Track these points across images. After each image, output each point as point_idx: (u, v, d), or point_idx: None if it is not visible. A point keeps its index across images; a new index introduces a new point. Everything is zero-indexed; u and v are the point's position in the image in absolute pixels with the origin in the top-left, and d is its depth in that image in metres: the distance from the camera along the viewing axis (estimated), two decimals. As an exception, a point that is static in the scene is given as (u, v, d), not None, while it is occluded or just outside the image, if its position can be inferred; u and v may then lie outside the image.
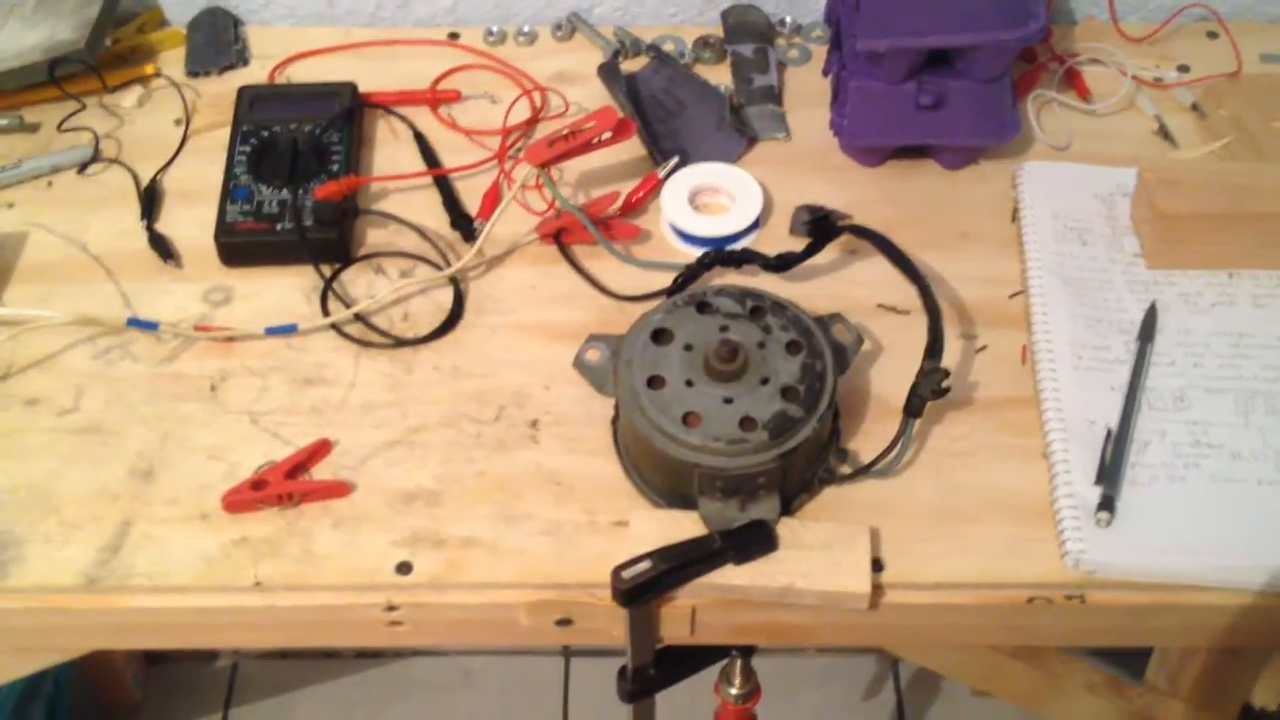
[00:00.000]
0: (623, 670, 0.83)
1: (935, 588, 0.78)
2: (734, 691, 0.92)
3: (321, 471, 0.83)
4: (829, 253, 0.92)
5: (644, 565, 0.73)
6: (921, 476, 0.82)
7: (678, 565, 0.74)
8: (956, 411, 0.85)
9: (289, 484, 0.81)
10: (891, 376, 0.86)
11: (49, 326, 0.89)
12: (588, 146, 0.89)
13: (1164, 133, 1.02)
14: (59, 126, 1.02)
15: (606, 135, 0.89)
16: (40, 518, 0.80)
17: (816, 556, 0.76)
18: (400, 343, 0.89)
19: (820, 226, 0.88)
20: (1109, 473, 0.79)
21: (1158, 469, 0.80)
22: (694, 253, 0.93)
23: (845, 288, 0.92)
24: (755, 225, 0.95)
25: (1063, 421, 0.82)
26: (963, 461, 0.83)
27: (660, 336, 0.80)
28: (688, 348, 0.79)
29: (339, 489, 0.81)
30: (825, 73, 1.06)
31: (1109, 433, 0.81)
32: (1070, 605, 0.77)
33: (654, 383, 0.78)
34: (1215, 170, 0.95)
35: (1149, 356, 0.85)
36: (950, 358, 0.87)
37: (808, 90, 1.06)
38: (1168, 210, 0.89)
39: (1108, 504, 0.78)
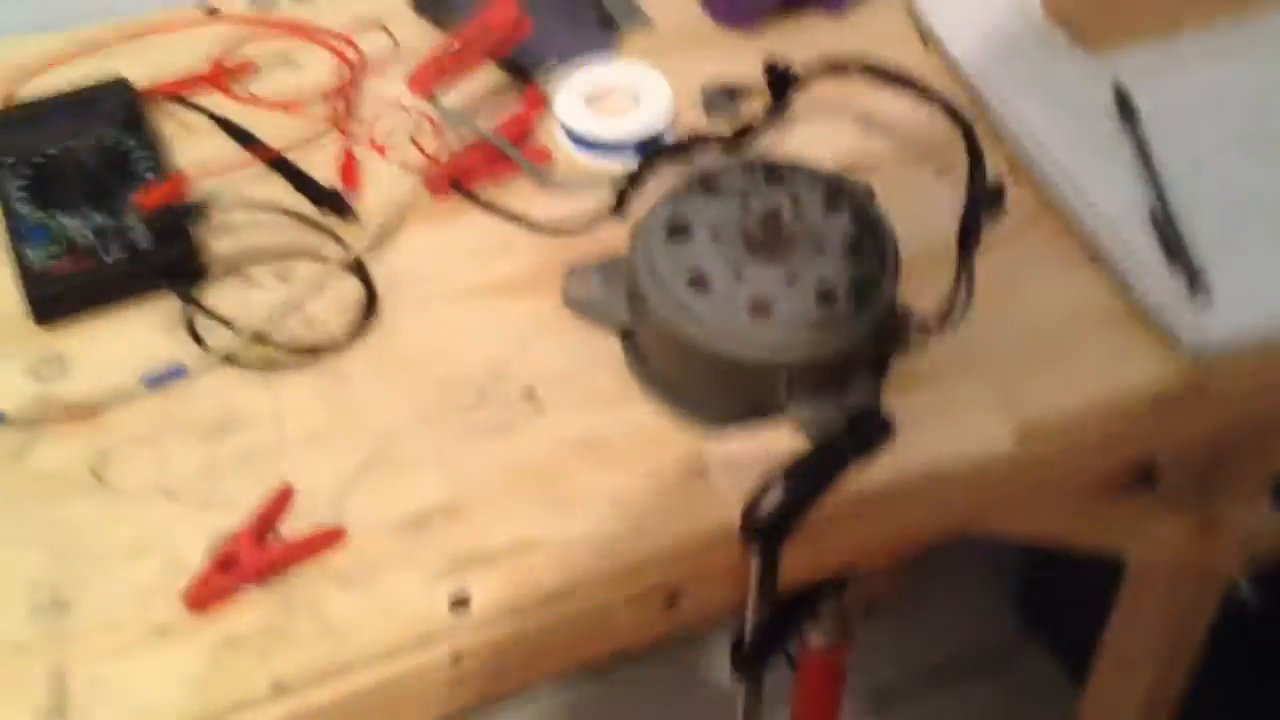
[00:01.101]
0: (738, 641, 0.67)
1: (1060, 425, 0.67)
2: (824, 637, 0.78)
3: (293, 525, 0.62)
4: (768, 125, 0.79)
5: (777, 491, 0.58)
6: (988, 321, 0.70)
7: (812, 482, 0.59)
8: (980, 251, 0.74)
9: (265, 551, 0.60)
10: (898, 232, 0.74)
11: None
12: (487, 53, 0.73)
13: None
14: None
15: (514, 32, 0.72)
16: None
17: (941, 428, 0.64)
18: (318, 352, 0.69)
19: (781, 82, 0.76)
20: (1179, 248, 0.71)
21: (1218, 240, 0.72)
22: (612, 166, 0.79)
23: (800, 152, 0.80)
24: (671, 117, 0.81)
25: (1100, 215, 0.74)
26: (1014, 292, 0.72)
27: (677, 232, 0.65)
28: (715, 236, 0.65)
29: (331, 538, 0.62)
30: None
31: (1154, 210, 0.73)
32: (1194, 398, 0.68)
33: (698, 283, 0.63)
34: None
35: (1143, 131, 0.78)
36: (937, 197, 0.77)
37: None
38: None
39: (1198, 278, 0.69)
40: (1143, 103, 0.80)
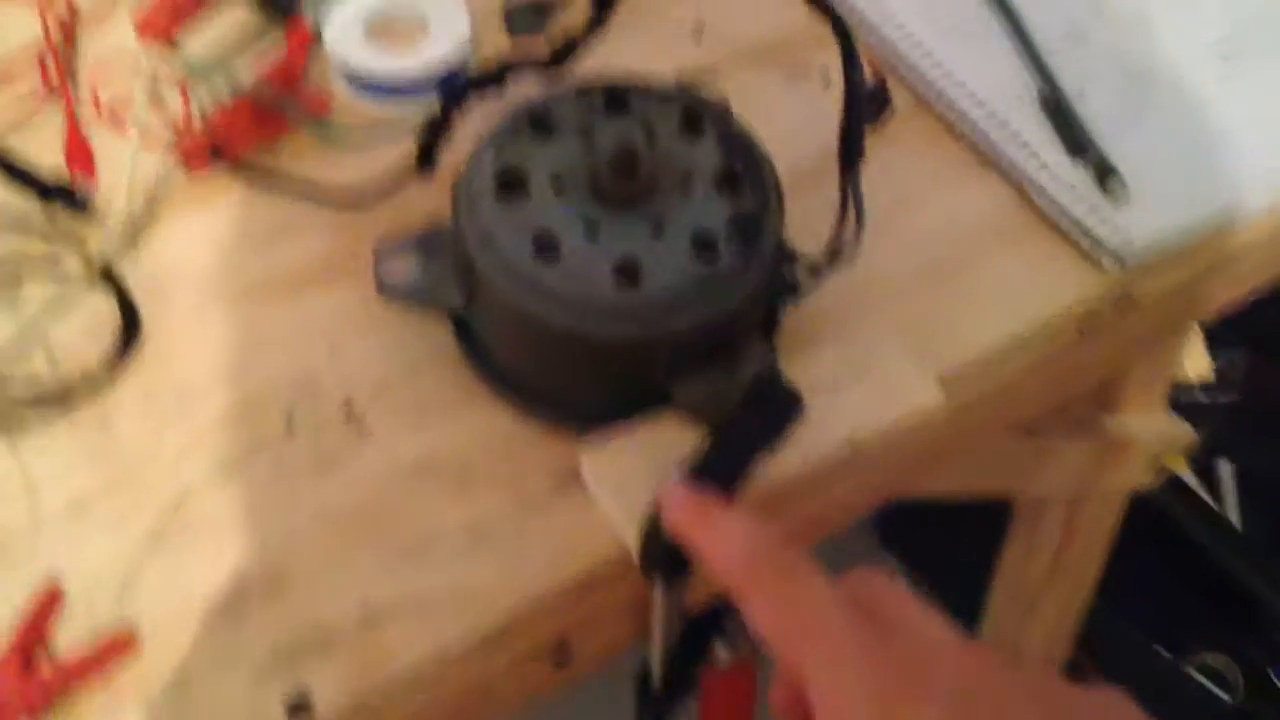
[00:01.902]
0: (642, 681, 0.56)
1: (982, 365, 0.57)
2: (731, 651, 0.66)
3: (69, 634, 0.48)
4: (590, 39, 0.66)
5: (697, 478, 0.47)
6: (876, 247, 0.59)
7: (724, 481, 0.48)
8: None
9: (35, 679, 0.46)
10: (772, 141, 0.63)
11: None
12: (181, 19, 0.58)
13: None
14: None
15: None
16: None
17: (855, 391, 0.53)
18: (70, 396, 0.54)
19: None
20: (1082, 138, 0.62)
21: (1115, 118, 0.64)
22: (408, 111, 0.65)
23: (631, 65, 0.67)
24: (470, 42, 0.67)
25: (984, 106, 0.64)
26: (904, 208, 0.62)
27: (510, 187, 0.52)
28: (557, 184, 0.52)
29: (119, 646, 0.48)
30: None
31: (1042, 94, 0.64)
32: (1122, 313, 0.60)
33: (543, 245, 0.50)
34: None
35: (1013, 4, 0.68)
36: (792, 105, 0.67)
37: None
38: None
39: (1108, 169, 0.60)
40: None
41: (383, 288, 0.53)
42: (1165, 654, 1.19)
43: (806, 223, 0.57)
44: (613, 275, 0.49)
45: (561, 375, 0.53)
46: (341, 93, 0.66)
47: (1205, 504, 1.25)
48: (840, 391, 0.53)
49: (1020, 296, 0.59)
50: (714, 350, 0.51)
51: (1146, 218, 0.59)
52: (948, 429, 0.56)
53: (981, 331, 0.58)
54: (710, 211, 0.52)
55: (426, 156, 0.61)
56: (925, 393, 0.53)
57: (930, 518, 1.22)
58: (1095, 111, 0.64)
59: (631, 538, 0.48)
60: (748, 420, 0.51)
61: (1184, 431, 0.84)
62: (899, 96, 0.67)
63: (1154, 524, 1.18)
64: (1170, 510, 1.22)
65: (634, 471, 0.50)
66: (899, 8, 0.68)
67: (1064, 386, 0.64)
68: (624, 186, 0.51)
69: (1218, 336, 1.11)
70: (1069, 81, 0.65)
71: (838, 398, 0.53)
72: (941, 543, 1.31)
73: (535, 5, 0.70)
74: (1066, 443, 0.78)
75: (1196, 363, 0.91)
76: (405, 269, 0.54)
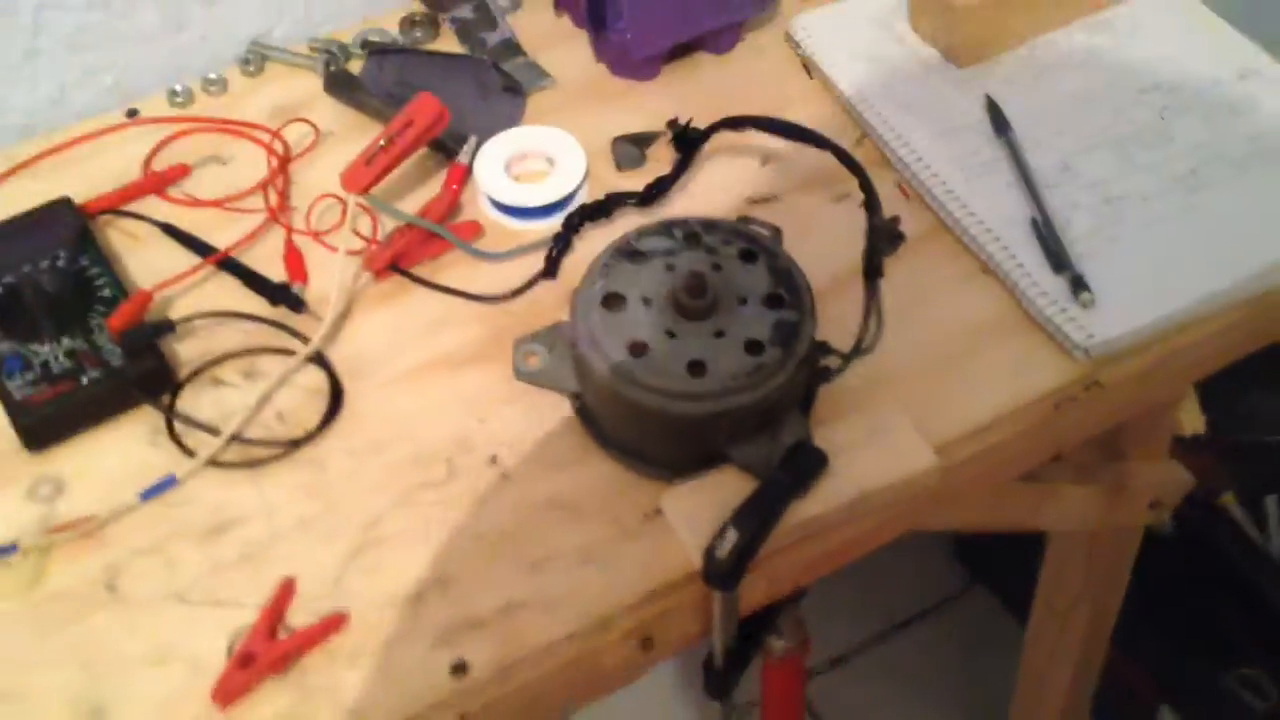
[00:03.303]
0: (708, 665, 0.75)
1: (968, 437, 0.75)
2: (784, 644, 0.86)
3: (298, 616, 0.68)
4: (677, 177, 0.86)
5: (731, 534, 0.66)
6: (895, 339, 0.78)
7: (761, 520, 0.67)
8: (894, 261, 0.82)
9: (280, 644, 0.67)
10: (806, 261, 0.82)
11: None
12: (414, 146, 0.78)
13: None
14: None
15: (435, 126, 0.78)
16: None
17: (869, 453, 0.71)
18: (295, 445, 0.75)
19: (685, 139, 0.82)
20: (1061, 256, 0.79)
21: (1093, 238, 0.81)
22: (538, 228, 0.85)
23: (709, 194, 0.87)
24: (585, 175, 0.87)
25: (988, 231, 0.81)
26: (919, 309, 0.80)
27: (612, 302, 0.72)
28: (646, 302, 0.71)
29: (335, 623, 0.68)
30: (558, 7, 0.99)
31: (1034, 222, 0.81)
32: (1092, 395, 0.76)
33: (636, 350, 0.69)
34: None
35: (1018, 144, 0.86)
36: (837, 221, 0.85)
37: (540, 31, 0.99)
38: (962, 5, 0.89)
39: (1082, 284, 0.77)
40: (1013, 111, 0.88)
41: (518, 374, 0.73)
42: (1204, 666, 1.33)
43: (843, 318, 0.75)
44: (686, 369, 0.68)
45: (650, 440, 0.72)
46: (488, 214, 0.87)
47: (1249, 537, 1.38)
48: (856, 453, 0.71)
49: (1007, 380, 0.77)
50: (761, 423, 0.70)
51: (1111, 320, 0.76)
52: (946, 484, 0.73)
53: (975, 407, 0.75)
54: (760, 322, 0.70)
55: (552, 266, 0.81)
56: (922, 457, 0.71)
57: (1001, 534, 1.38)
58: (1078, 232, 0.81)
59: (697, 559, 0.67)
60: (785, 474, 0.69)
61: (1182, 477, 0.99)
62: (924, 217, 0.85)
63: (1202, 553, 1.33)
64: (1217, 541, 1.35)
65: (701, 510, 0.69)
66: (925, 149, 0.86)
67: (1046, 448, 0.81)
68: (694, 304, 0.70)
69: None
70: (1058, 207, 0.82)
71: (855, 457, 0.71)
72: (1010, 556, 1.45)
73: (635, 140, 0.89)
74: (1073, 487, 0.94)
75: (1191, 418, 1.06)
76: (535, 359, 0.73)
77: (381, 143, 0.78)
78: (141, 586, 0.70)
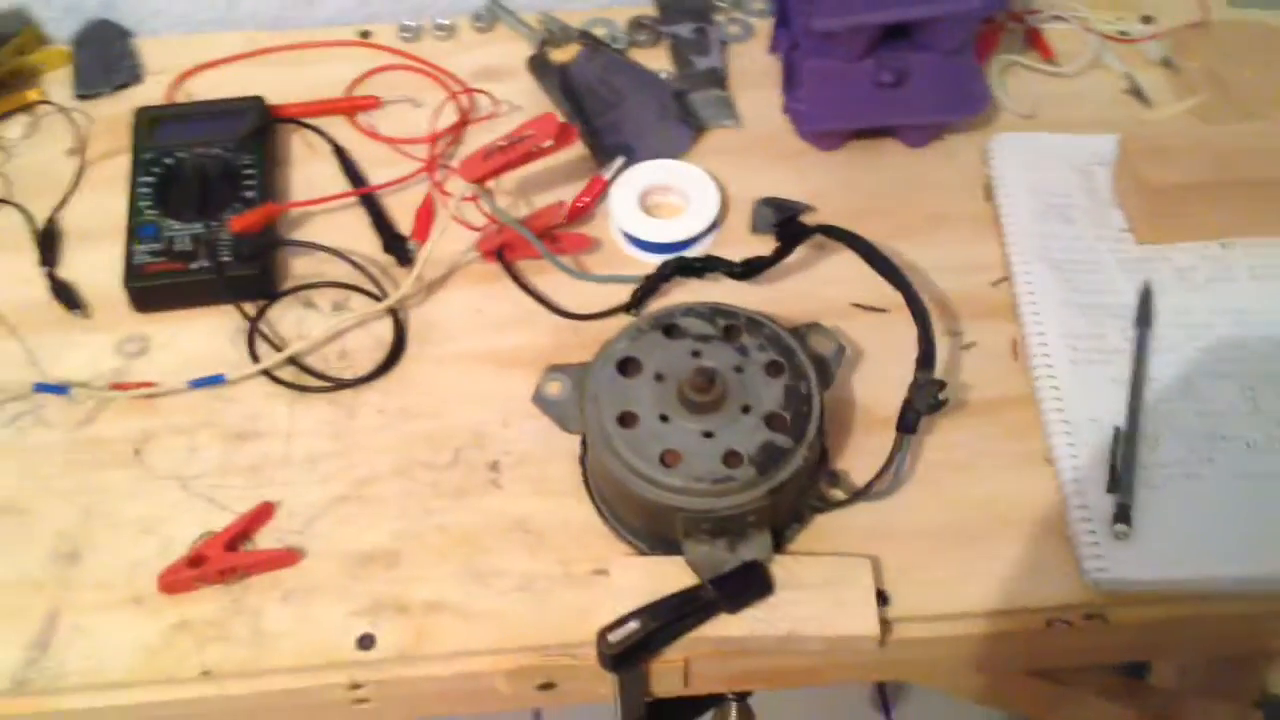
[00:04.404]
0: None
1: (945, 618, 0.72)
2: None
3: (265, 538, 0.75)
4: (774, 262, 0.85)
5: (631, 625, 0.67)
6: (918, 494, 0.76)
7: (668, 621, 0.67)
8: (948, 418, 0.79)
9: (230, 557, 0.73)
10: (875, 383, 0.80)
11: (-55, 397, 0.80)
12: (527, 157, 0.81)
13: (1135, 91, 0.97)
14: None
15: (547, 144, 0.81)
16: (-46, 616, 0.72)
17: (817, 597, 0.70)
18: (339, 385, 0.81)
19: (788, 229, 0.81)
20: (1122, 479, 0.73)
21: (1172, 468, 0.75)
22: (650, 260, 0.86)
23: (816, 287, 0.86)
24: (713, 226, 0.88)
25: (1065, 423, 0.77)
26: (961, 474, 0.77)
27: (627, 367, 0.73)
28: (659, 378, 0.72)
29: (287, 558, 0.74)
30: (772, 50, 0.99)
31: (1117, 432, 0.76)
32: (1091, 625, 0.71)
33: (626, 420, 0.71)
34: (1200, 134, 0.89)
35: (1149, 343, 0.80)
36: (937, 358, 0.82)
37: (754, 69, 0.99)
38: (1156, 182, 0.83)
39: (1124, 515, 0.72)
40: (1166, 305, 0.81)
41: (536, 396, 0.75)
42: None
43: (883, 453, 0.73)
44: (659, 456, 0.69)
45: (620, 506, 0.73)
46: (612, 233, 0.89)
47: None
48: (806, 593, 0.70)
49: (1011, 578, 0.73)
50: (718, 531, 0.70)
51: (1137, 562, 0.71)
52: (889, 655, 0.71)
53: (966, 592, 0.72)
54: (750, 437, 0.70)
55: (634, 304, 0.83)
56: (864, 623, 0.69)
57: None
58: (1163, 457, 0.75)
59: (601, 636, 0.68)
60: (718, 588, 0.69)
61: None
62: (1018, 383, 0.80)
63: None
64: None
65: (636, 587, 0.70)
66: (1049, 315, 0.81)
67: (1037, 659, 0.76)
68: (696, 398, 0.70)
69: None
70: (1157, 423, 0.76)
71: (802, 596, 0.70)
72: None
73: (777, 207, 0.88)
74: (1102, 702, 0.88)
75: None
76: (557, 388, 0.75)
77: (502, 143, 0.81)
78: (160, 460, 0.78)
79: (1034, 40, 1.00)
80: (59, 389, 0.80)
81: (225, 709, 0.71)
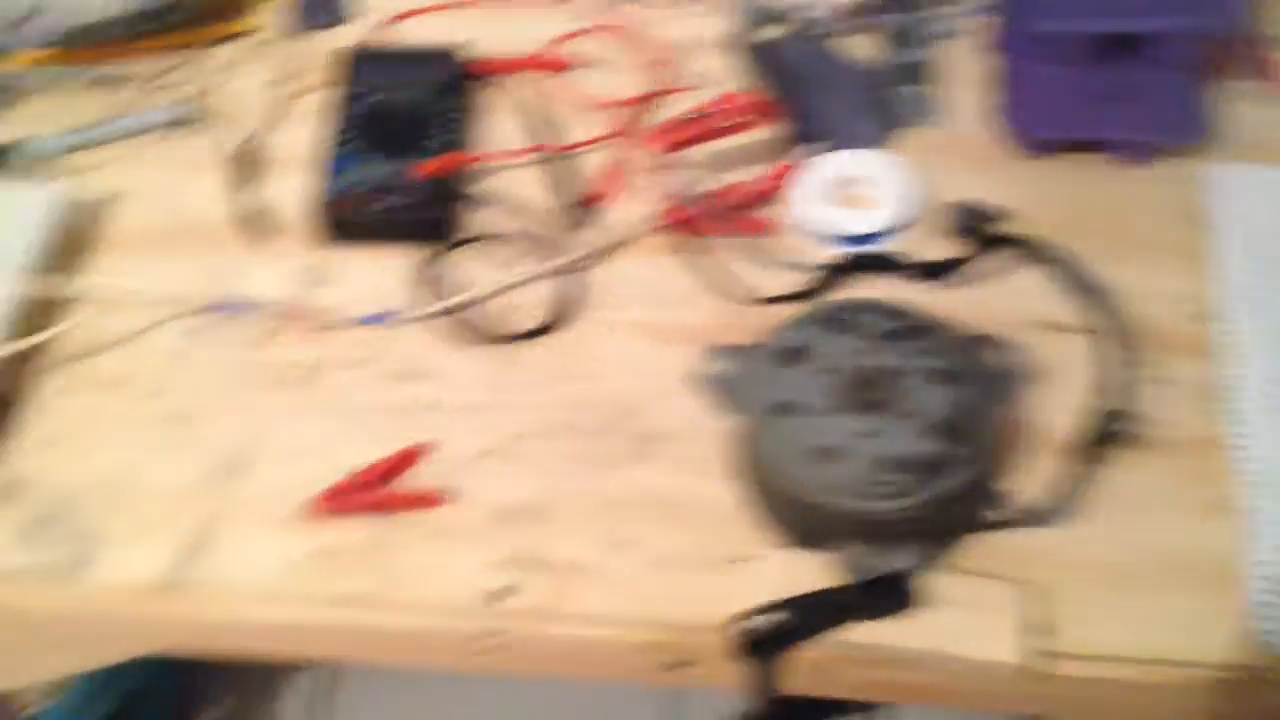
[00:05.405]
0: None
1: (1101, 659, 0.68)
2: None
3: (416, 477, 0.76)
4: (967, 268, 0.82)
5: (774, 615, 0.65)
6: (1086, 527, 0.72)
7: (810, 618, 0.66)
8: (1127, 452, 0.74)
9: (382, 491, 0.74)
10: (1053, 406, 0.76)
11: (135, 303, 0.83)
12: (719, 132, 0.80)
13: (1372, 133, 0.90)
14: (150, 86, 0.96)
15: (742, 120, 0.79)
16: (118, 511, 0.75)
17: (961, 618, 0.67)
18: (503, 338, 0.81)
19: (980, 235, 0.78)
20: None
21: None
22: (830, 251, 0.84)
23: (1003, 298, 0.82)
24: (900, 223, 0.85)
25: (1257, 474, 0.72)
26: (1135, 512, 0.73)
27: (793, 357, 0.71)
28: (824, 371, 0.70)
29: (433, 499, 0.74)
30: (989, 50, 0.95)
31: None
32: (1260, 687, 0.67)
33: (787, 410, 0.69)
34: None
35: (1357, 401, 0.74)
36: (1122, 388, 0.77)
37: (960, 68, 0.95)
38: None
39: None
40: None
41: (696, 376, 0.74)
42: None
43: (1044, 477, 0.70)
44: (818, 451, 0.67)
45: (770, 496, 0.71)
46: (797, 218, 0.87)
47: None
48: (951, 609, 0.67)
49: (1178, 628, 0.68)
50: (871, 536, 0.68)
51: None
52: (1033, 689, 0.68)
53: (1127, 635, 0.68)
54: (913, 442, 0.67)
55: (808, 293, 0.81)
56: (1001, 651, 0.66)
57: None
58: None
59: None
60: (872, 590, 0.67)
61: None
62: (1210, 425, 0.76)
63: None
64: None
65: (778, 579, 0.68)
66: (1253, 357, 0.76)
67: (1186, 716, 0.72)
68: (863, 396, 0.68)
69: None
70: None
71: (946, 613, 0.67)
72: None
73: (976, 214, 0.85)
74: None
75: None
76: (721, 371, 0.74)
77: (696, 114, 0.80)
78: (324, 389, 0.80)
79: (1264, 68, 0.94)
80: (238, 308, 0.82)
81: (356, 638, 0.73)
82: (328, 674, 1.54)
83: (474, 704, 1.49)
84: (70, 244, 0.86)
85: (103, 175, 0.91)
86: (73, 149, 0.92)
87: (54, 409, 0.80)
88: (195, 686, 1.53)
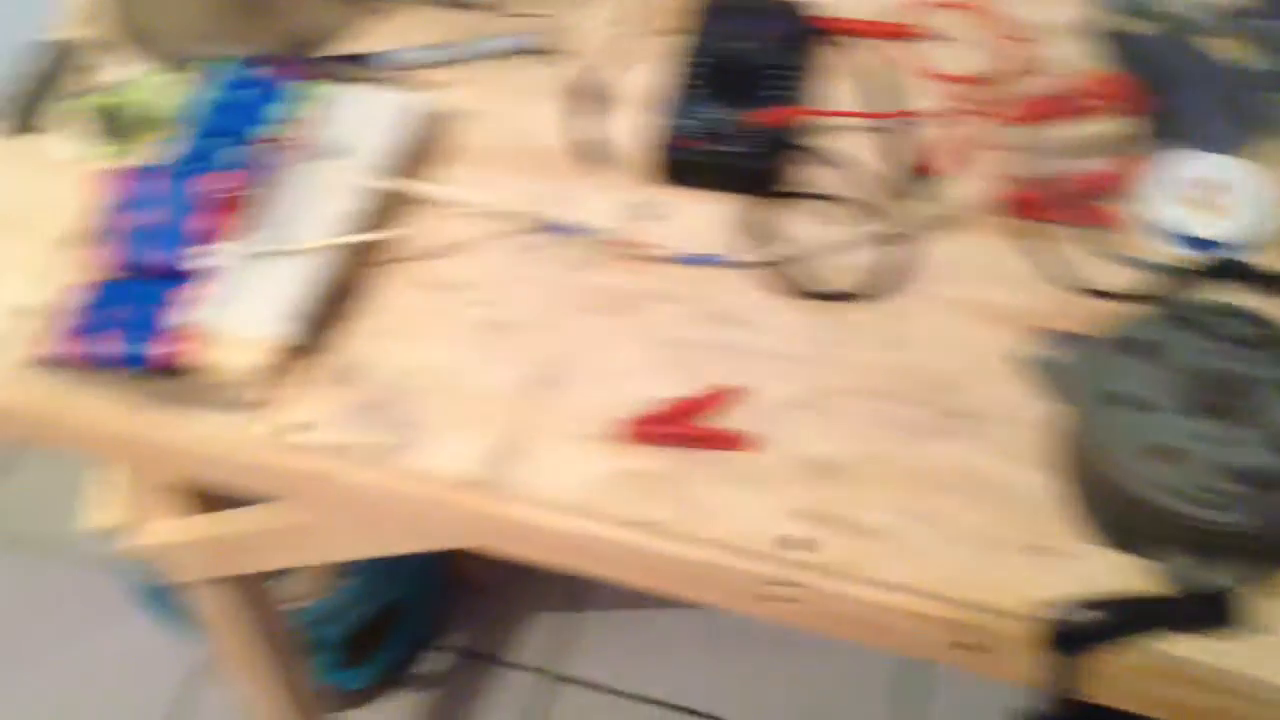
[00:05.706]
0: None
1: None
2: None
3: (724, 418, 0.76)
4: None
5: (1094, 614, 0.63)
6: None
7: (1126, 621, 0.63)
8: None
9: (692, 426, 0.76)
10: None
11: (476, 214, 0.86)
12: (1077, 112, 0.77)
13: None
14: (504, 12, 0.99)
15: (1103, 106, 0.76)
16: (440, 406, 0.79)
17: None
18: (829, 296, 0.81)
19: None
20: None
21: None
22: (1177, 253, 0.81)
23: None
24: (1257, 234, 0.81)
25: None
26: None
27: (1137, 349, 0.68)
28: (1172, 369, 0.67)
29: (740, 441, 0.75)
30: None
31: None
32: None
33: (1122, 402, 0.67)
34: None
35: None
36: None
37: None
38: None
39: None
40: None
41: (1030, 359, 0.72)
42: None
43: None
44: (1155, 450, 0.65)
45: (1094, 490, 0.69)
46: (1137, 219, 0.83)
47: None
48: (1266, 637, 0.64)
49: None
50: (1200, 546, 0.65)
51: None
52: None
53: None
54: (1257, 455, 0.63)
55: (1157, 294, 0.78)
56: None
57: None
58: None
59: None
60: (1193, 603, 0.64)
61: None
62: None
63: None
64: None
65: (1088, 576, 0.66)
66: None
67: None
68: (1211, 400, 0.65)
69: None
70: None
71: (1260, 640, 0.64)
72: None
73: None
74: None
75: None
76: (1053, 357, 0.72)
77: (1051, 96, 0.78)
78: (645, 319, 0.81)
79: None
80: (570, 230, 0.85)
81: (645, 563, 0.74)
82: (575, 619, 1.59)
83: (699, 673, 1.51)
84: (421, 152, 0.90)
85: (453, 92, 0.95)
86: (429, 65, 0.96)
87: (391, 303, 0.84)
88: (447, 610, 1.60)
